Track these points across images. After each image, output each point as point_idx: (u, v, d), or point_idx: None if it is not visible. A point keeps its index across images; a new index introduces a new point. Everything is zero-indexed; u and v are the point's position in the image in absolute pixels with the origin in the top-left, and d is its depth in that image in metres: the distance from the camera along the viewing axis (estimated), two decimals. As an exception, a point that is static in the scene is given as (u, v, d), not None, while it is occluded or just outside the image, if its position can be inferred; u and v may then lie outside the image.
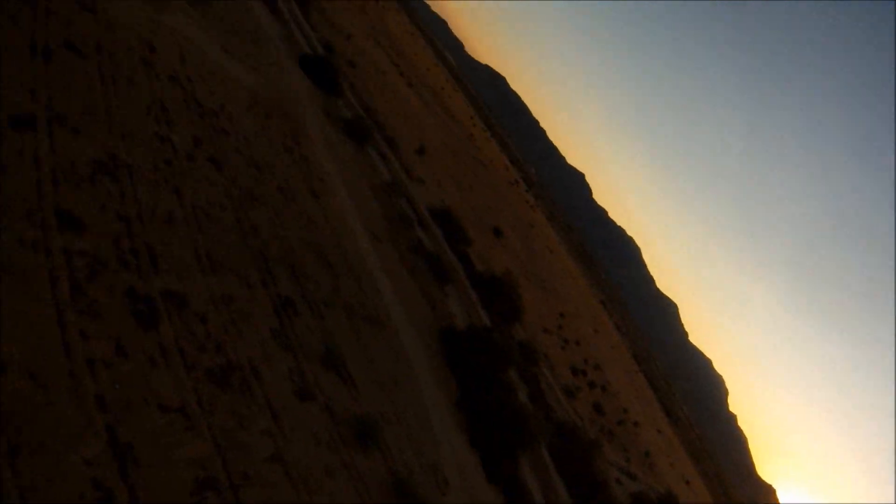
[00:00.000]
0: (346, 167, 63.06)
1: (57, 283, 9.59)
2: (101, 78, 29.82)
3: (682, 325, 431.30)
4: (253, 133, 44.78)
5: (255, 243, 24.37)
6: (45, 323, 8.71)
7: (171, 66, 41.89)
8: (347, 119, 61.46)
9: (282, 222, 30.31)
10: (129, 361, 9.61)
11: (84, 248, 11.99)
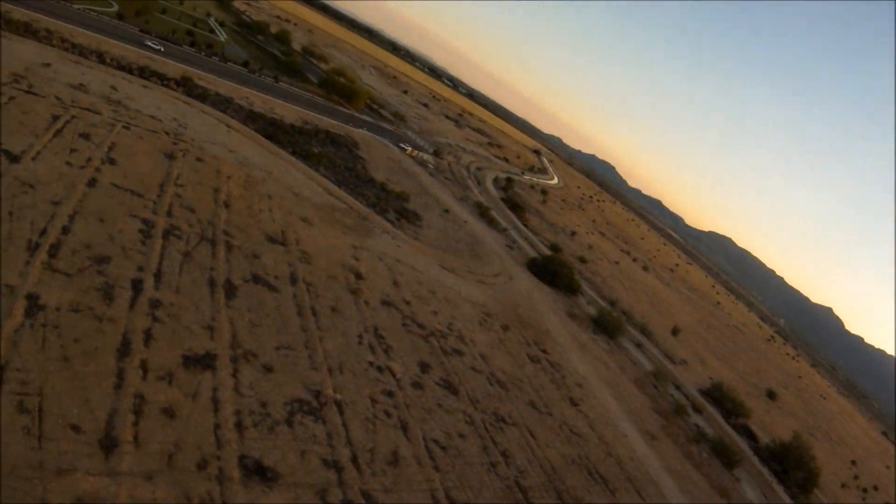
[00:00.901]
0: (603, 365, 63.10)
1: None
2: (298, 310, 35.16)
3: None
4: (490, 348, 48.99)
5: (508, 472, 25.02)
6: None
7: (382, 291, 48.68)
8: (592, 315, 77.62)
9: (538, 441, 32.02)
10: None
11: None
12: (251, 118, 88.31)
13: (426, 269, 59.93)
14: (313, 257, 45.71)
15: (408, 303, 48.08)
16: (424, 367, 36.35)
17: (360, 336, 36.69)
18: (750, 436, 64.80)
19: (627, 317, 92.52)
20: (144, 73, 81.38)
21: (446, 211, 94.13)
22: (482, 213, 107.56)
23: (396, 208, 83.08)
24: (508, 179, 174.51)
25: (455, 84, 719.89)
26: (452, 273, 63.31)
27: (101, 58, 78.26)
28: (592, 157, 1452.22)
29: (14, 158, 37.38)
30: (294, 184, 63.80)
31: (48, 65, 59.90)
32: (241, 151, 63.83)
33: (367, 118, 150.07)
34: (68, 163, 39.89)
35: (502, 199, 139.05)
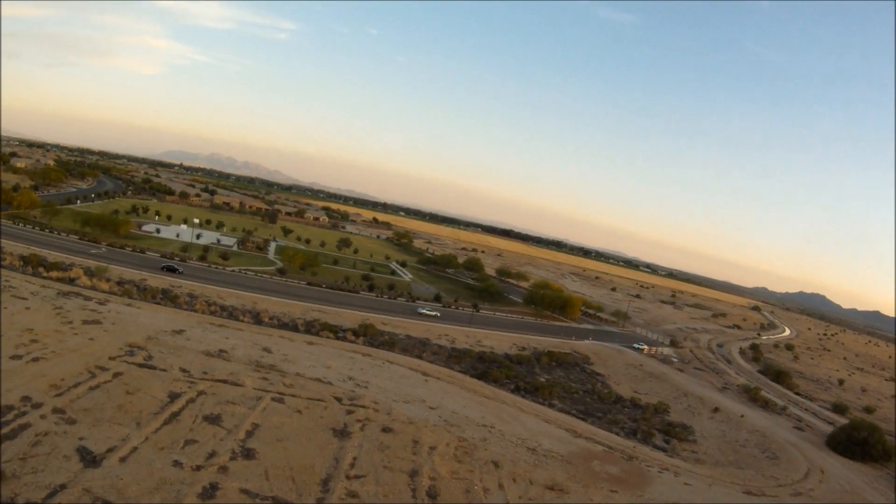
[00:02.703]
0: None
1: None
2: None
3: None
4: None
5: None
6: None
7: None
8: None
9: None
10: None
11: None
12: (455, 357, 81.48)
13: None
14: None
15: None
16: None
17: None
18: None
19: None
20: (312, 328, 77.22)
21: (715, 410, 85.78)
22: (752, 396, 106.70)
23: (660, 426, 74.80)
24: (753, 346, 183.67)
25: (653, 268, 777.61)
26: (762, 496, 53.66)
27: (256, 317, 75.26)
28: (800, 293, 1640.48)
29: (92, 460, 27.87)
30: (527, 434, 51.50)
31: (180, 331, 55.01)
32: (447, 405, 53.02)
33: (588, 325, 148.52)
34: (177, 462, 30.11)
35: (760, 372, 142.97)
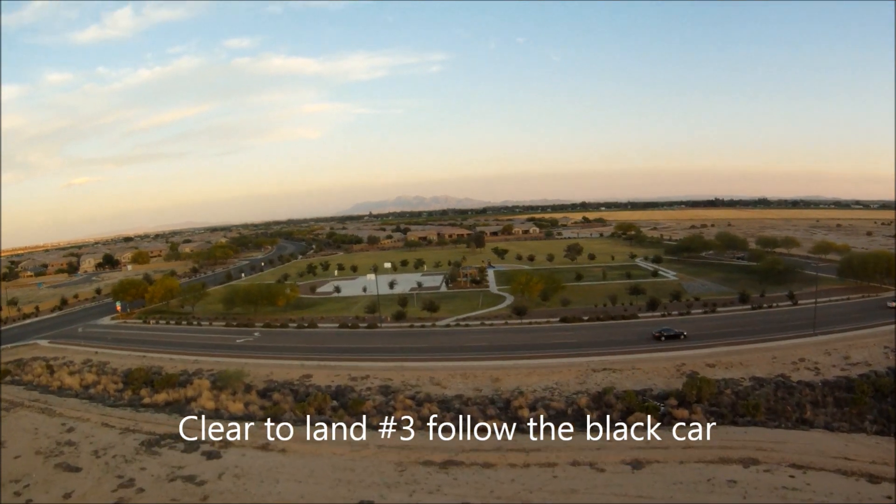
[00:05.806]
0: None
1: None
2: None
3: None
4: None
5: None
6: None
7: None
8: None
9: None
10: None
11: None
12: (850, 403, 46.80)
13: None
14: None
15: None
16: None
17: None
18: None
19: None
20: (608, 410, 46.83)
21: None
22: None
23: None
24: None
25: (864, 204, 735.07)
26: None
27: (506, 410, 45.10)
28: None
29: None
30: None
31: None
32: None
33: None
34: None
35: None
